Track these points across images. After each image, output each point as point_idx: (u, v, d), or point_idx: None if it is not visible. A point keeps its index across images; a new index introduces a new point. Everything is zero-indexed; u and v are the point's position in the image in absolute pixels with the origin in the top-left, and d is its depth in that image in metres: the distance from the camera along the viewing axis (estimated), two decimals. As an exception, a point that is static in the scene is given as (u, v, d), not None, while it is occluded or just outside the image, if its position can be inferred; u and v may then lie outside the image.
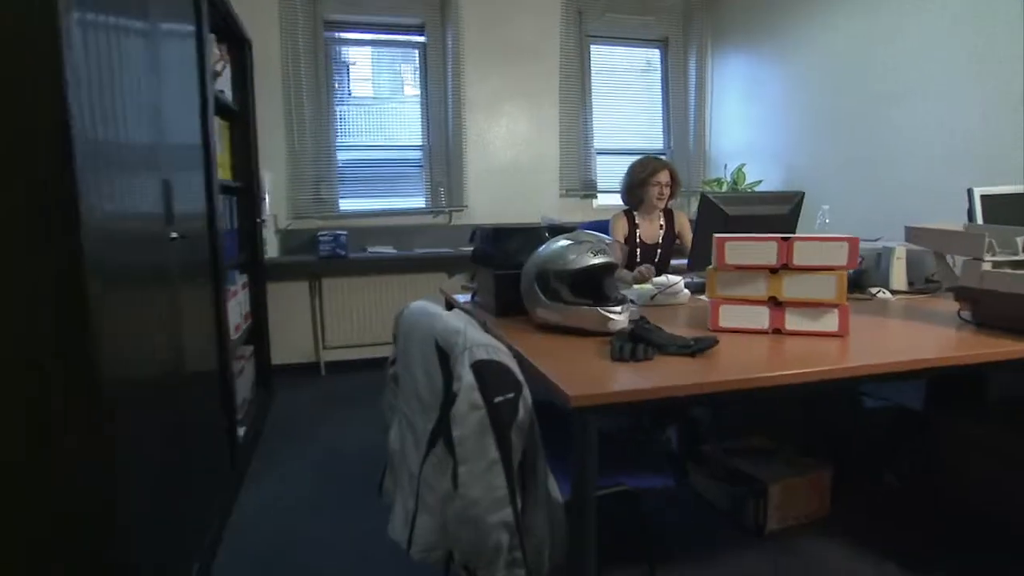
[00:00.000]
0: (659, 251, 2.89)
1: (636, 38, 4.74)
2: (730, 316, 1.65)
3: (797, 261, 1.57)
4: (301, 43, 3.94)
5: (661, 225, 2.90)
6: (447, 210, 4.34)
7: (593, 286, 1.71)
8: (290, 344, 4.08)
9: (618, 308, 1.61)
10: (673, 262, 3.00)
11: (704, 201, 2.16)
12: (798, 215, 2.29)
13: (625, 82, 4.81)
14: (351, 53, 4.32)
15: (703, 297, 2.19)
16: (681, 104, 4.78)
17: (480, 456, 1.18)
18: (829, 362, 1.35)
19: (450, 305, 2.44)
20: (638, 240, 2.86)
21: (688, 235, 2.93)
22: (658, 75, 4.86)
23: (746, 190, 3.98)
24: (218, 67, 2.69)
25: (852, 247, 1.53)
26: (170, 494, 1.63)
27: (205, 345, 2.13)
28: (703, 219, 2.20)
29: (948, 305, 2.02)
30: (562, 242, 1.69)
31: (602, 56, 4.70)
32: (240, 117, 3.28)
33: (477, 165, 4.38)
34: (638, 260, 2.86)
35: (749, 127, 4.38)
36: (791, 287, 1.59)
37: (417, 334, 1.35)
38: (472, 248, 2.19)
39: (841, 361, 1.36)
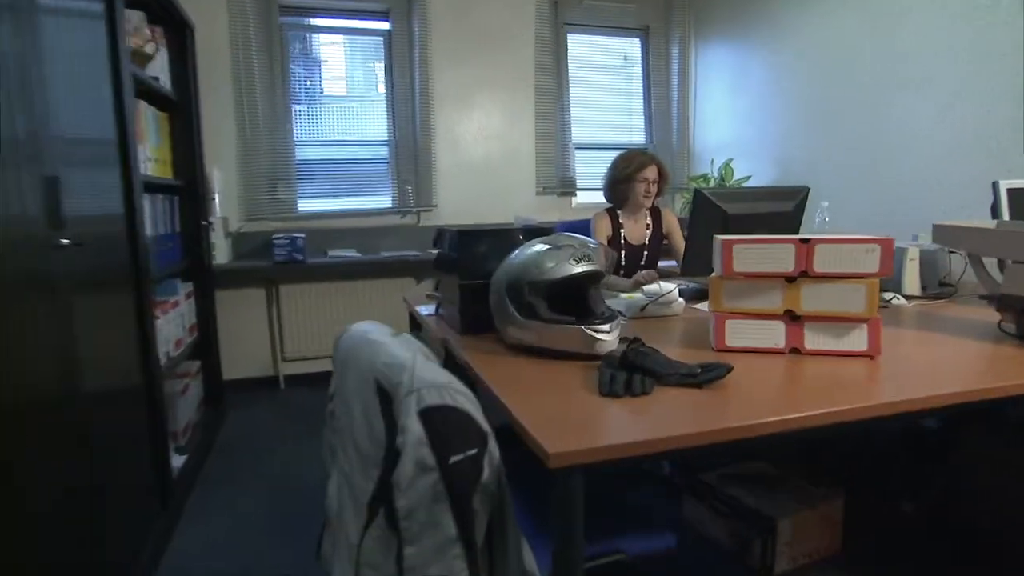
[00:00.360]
0: (646, 253, 2.63)
1: (615, 27, 4.49)
2: (738, 333, 1.39)
3: (819, 268, 1.31)
4: (253, 28, 3.61)
5: (647, 224, 2.64)
6: (415, 210, 4.04)
7: (576, 299, 1.44)
8: (245, 357, 3.75)
9: (606, 326, 1.34)
10: (660, 264, 2.75)
11: (699, 198, 1.90)
12: (803, 212, 2.04)
13: (604, 73, 4.56)
14: (310, 40, 4.00)
15: (699, 307, 1.94)
16: (663, 96, 4.54)
17: (432, 533, 0.90)
18: (868, 394, 1.09)
19: (415, 319, 2.16)
20: (623, 241, 2.60)
21: (677, 235, 2.68)
22: (639, 66, 4.61)
23: (735, 186, 3.75)
24: (147, 49, 2.37)
25: (885, 251, 1.28)
26: (69, 545, 1.32)
27: (122, 365, 1.82)
28: (698, 218, 1.94)
29: (974, 312, 1.79)
30: (538, 247, 1.42)
31: (580, 45, 4.44)
32: (181, 108, 2.95)
33: (447, 162, 4.09)
34: (623, 263, 2.60)
35: (736, 120, 4.15)
36: (811, 298, 1.33)
37: (354, 368, 1.06)
38: (436, 253, 1.90)
39: (882, 393, 1.10)
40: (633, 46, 4.60)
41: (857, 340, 1.33)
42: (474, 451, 0.91)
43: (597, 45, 4.51)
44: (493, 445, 0.94)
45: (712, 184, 3.89)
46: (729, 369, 1.15)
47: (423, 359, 0.98)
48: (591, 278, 1.41)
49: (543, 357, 1.38)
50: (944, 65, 2.82)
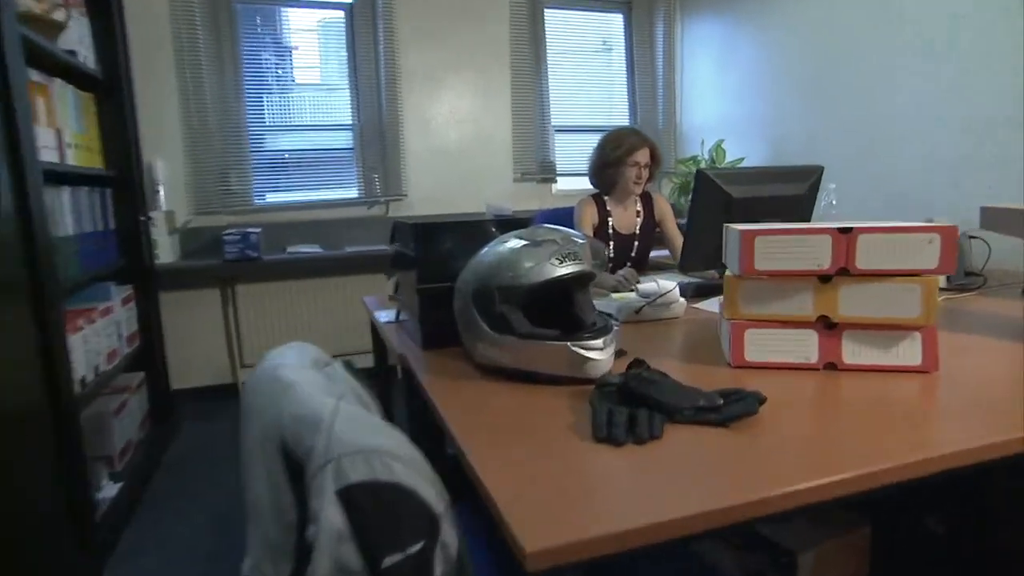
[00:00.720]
0: (636, 243, 2.37)
1: (595, 1, 4.19)
2: (760, 345, 1.12)
3: (862, 263, 1.05)
4: (197, 2, 3.25)
5: (638, 212, 2.37)
6: (383, 200, 3.73)
7: (560, 308, 1.16)
8: (199, 364, 3.43)
9: (599, 341, 1.06)
10: (653, 254, 2.49)
11: (701, 179, 1.63)
12: (816, 195, 1.79)
13: (585, 50, 4.26)
14: (280, 25, 3.65)
15: (702, 306, 1.67)
16: (648, 74, 4.25)
17: (359, 669, 0.62)
18: (940, 434, 0.83)
19: (376, 329, 1.87)
20: (611, 231, 2.33)
21: (671, 223, 2.41)
22: (621, 42, 4.32)
23: (732, 167, 3.49)
24: (56, 16, 2.03)
25: (947, 241, 1.02)
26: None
27: (17, 389, 1.51)
28: (699, 203, 1.67)
29: (1014, 308, 1.54)
30: (512, 243, 1.14)
31: (558, 21, 4.14)
32: (110, 89, 2.61)
33: (417, 147, 3.78)
34: (611, 255, 2.33)
35: (726, 99, 3.89)
36: (852, 302, 1.07)
37: (257, 421, 0.78)
38: (393, 249, 1.62)
39: (958, 431, 0.85)
40: (615, 21, 4.30)
41: (909, 352, 1.07)
42: (419, 545, 0.63)
43: (577, 20, 4.21)
44: (448, 531, 0.66)
45: (702, 167, 3.62)
46: (761, 401, 0.89)
47: (351, 408, 0.70)
48: (578, 281, 1.14)
49: (520, 381, 1.10)
50: (952, 31, 2.57)
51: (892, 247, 1.04)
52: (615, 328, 1.12)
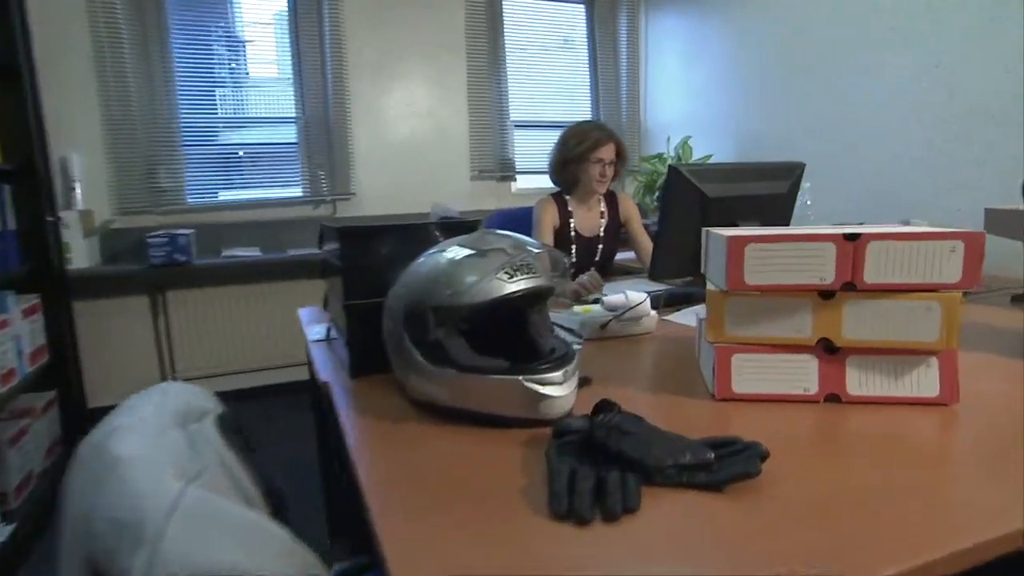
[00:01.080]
0: (600, 246, 2.18)
1: (556, -9, 4.01)
2: (750, 374, 0.94)
3: (871, 277, 0.88)
4: (117, -21, 2.95)
5: (602, 212, 2.19)
6: (329, 199, 3.47)
7: (510, 332, 0.96)
8: (125, 378, 3.11)
9: (558, 374, 0.86)
10: (618, 256, 2.30)
11: (674, 177, 1.44)
12: (796, 194, 1.63)
13: (545, 42, 4.07)
14: (232, 19, 3.34)
15: (676, 319, 1.49)
16: (611, 69, 4.09)
17: None
18: (994, 499, 0.66)
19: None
20: (573, 233, 2.14)
21: (637, 224, 2.23)
22: (583, 35, 4.14)
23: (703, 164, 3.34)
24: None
25: (972, 251, 0.85)
26: None
27: None
28: (671, 203, 1.49)
29: (1009, 318, 1.40)
30: (452, 253, 0.93)
31: (517, 11, 3.93)
32: (8, 74, 2.30)
33: (367, 143, 3.53)
34: (574, 259, 2.15)
35: (693, 94, 3.75)
36: (858, 321, 0.90)
37: (69, 520, 0.55)
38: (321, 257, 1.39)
39: (1002, 502, 0.67)
40: (577, 12, 4.13)
41: (924, 381, 0.90)
42: None
43: (537, 11, 4.01)
44: None
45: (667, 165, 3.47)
46: (763, 456, 0.70)
47: (202, 498, 0.49)
48: (533, 298, 0.94)
49: (462, 422, 0.89)
50: (933, 21, 2.46)
51: (907, 257, 0.87)
52: (578, 354, 0.92)
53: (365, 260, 1.14)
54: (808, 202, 2.24)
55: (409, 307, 0.92)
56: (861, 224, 2.36)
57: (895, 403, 0.91)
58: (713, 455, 0.70)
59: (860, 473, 0.73)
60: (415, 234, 1.18)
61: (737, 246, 0.89)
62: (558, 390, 0.86)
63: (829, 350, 0.92)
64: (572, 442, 0.76)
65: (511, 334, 0.96)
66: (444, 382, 0.89)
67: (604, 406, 0.79)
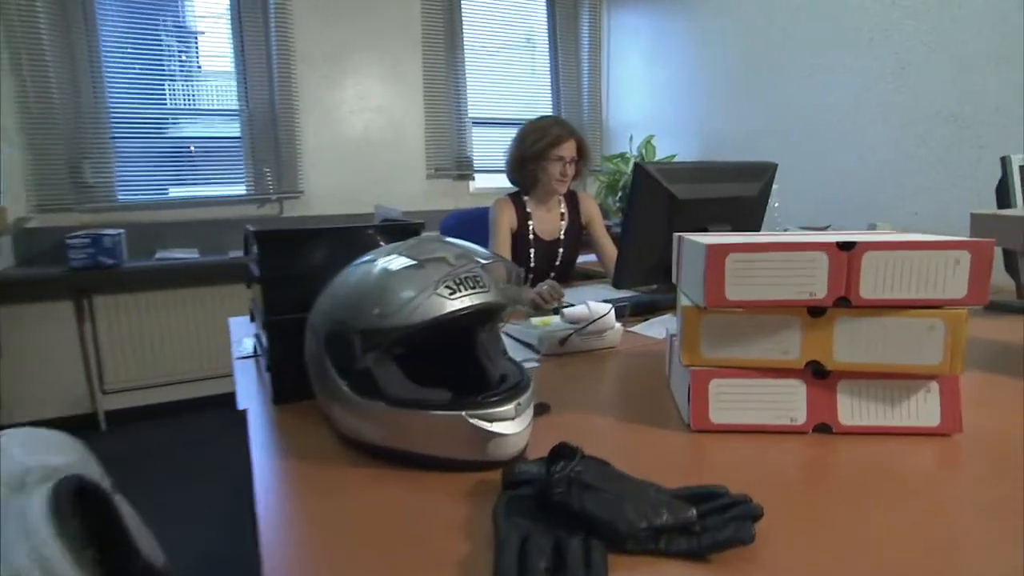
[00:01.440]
0: (561, 251, 2.06)
1: (516, -15, 3.88)
2: (730, 402, 0.82)
3: (867, 291, 0.77)
4: (35, -44, 2.70)
5: (562, 214, 2.07)
6: (276, 197, 3.27)
7: (454, 357, 0.82)
8: (47, 391, 2.86)
9: (509, 407, 0.73)
10: (580, 259, 2.18)
11: (640, 176, 1.32)
12: (768, 197, 1.53)
13: (505, 37, 3.94)
14: (182, 10, 3.10)
15: (642, 330, 1.38)
16: (572, 66, 3.99)
17: None
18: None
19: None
20: (531, 236, 2.01)
21: (599, 226, 2.12)
22: (544, 30, 4.03)
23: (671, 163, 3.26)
24: None
25: (979, 261, 0.75)
26: None
27: None
28: (637, 205, 1.37)
29: (988, 328, 1.33)
30: (385, 263, 0.79)
31: (476, 4, 3.79)
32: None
33: (316, 138, 3.34)
34: (532, 264, 2.02)
35: (656, 92, 3.67)
36: (852, 342, 0.79)
37: None
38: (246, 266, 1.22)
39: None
40: (538, 6, 4.01)
41: (924, 409, 0.80)
42: None
43: (496, 4, 3.88)
44: None
45: (631, 166, 3.37)
46: (756, 517, 0.58)
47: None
48: (481, 318, 0.80)
49: (396, 464, 0.75)
50: (900, 21, 2.42)
51: (907, 269, 0.76)
52: (533, 382, 0.79)
53: (290, 269, 0.99)
54: (776, 204, 2.17)
55: (332, 329, 0.77)
56: (827, 228, 2.30)
57: (891, 433, 0.80)
58: (695, 513, 0.58)
59: (862, 525, 0.61)
60: (350, 239, 1.03)
61: (717, 256, 0.77)
62: (509, 427, 0.72)
63: (818, 374, 0.81)
64: (525, 497, 0.63)
65: (455, 359, 0.82)
66: (374, 417, 0.75)
67: (563, 450, 0.65)
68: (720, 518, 0.58)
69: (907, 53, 2.38)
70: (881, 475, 0.71)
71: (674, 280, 0.97)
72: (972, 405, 0.87)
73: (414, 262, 0.77)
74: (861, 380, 0.80)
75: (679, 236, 0.94)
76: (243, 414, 1.01)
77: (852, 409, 0.81)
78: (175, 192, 3.16)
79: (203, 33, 3.30)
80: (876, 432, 0.81)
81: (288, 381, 0.98)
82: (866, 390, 0.80)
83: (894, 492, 0.67)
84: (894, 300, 0.77)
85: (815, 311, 0.79)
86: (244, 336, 1.47)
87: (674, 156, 3.35)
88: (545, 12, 4.00)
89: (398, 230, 1.07)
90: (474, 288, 0.75)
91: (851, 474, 0.72)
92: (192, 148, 3.20)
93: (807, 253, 0.77)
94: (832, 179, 2.69)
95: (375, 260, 0.80)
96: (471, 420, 0.71)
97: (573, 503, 0.58)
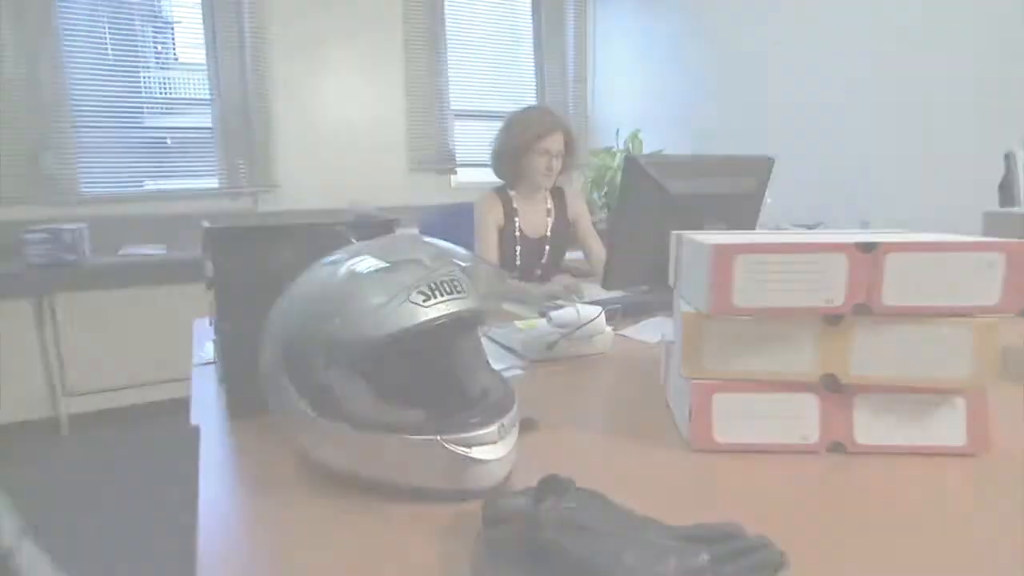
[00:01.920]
0: (547, 248, 1.97)
1: (500, -26, 3.78)
2: (735, 418, 0.74)
3: (891, 298, 0.69)
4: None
5: (548, 209, 1.98)
6: (250, 191, 3.14)
7: (430, 371, 0.73)
8: (6, 395, 2.72)
9: (491, 429, 0.64)
10: (568, 255, 2.10)
11: (631, 170, 1.24)
12: (764, 193, 1.46)
13: (488, 27, 3.84)
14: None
15: (633, 333, 1.30)
16: (557, 58, 3.90)
17: None
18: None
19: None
20: (518, 233, 1.92)
21: (586, 222, 2.04)
22: (529, 20, 3.93)
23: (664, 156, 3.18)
24: None
25: (1016, 264, 0.67)
26: None
27: None
28: (628, 200, 1.29)
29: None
30: (352, 265, 0.69)
31: (458, -5, 3.68)
32: None
33: (292, 129, 3.22)
34: (518, 262, 1.93)
35: (643, 86, 3.59)
36: (872, 353, 0.71)
37: None
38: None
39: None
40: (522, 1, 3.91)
41: (948, 427, 0.73)
42: None
43: (479, -3, 3.77)
44: None
45: (618, 160, 3.30)
46: (778, 566, 0.49)
47: None
48: (460, 327, 0.71)
49: (364, 493, 0.66)
50: (890, 15, 2.36)
51: (934, 273, 0.68)
52: (517, 400, 0.70)
53: (247, 270, 0.89)
54: (768, 200, 2.10)
55: (289, 339, 0.68)
56: (817, 226, 2.24)
57: (911, 453, 0.73)
58: (708, 558, 0.50)
59: (886, 561, 0.53)
60: (315, 237, 0.93)
61: (724, 258, 0.69)
62: (491, 452, 0.64)
63: (832, 388, 0.73)
64: (509, 538, 0.54)
65: (430, 372, 0.73)
66: (336, 441, 0.66)
67: (552, 483, 0.57)
68: (735, 566, 0.50)
69: (896, 48, 2.33)
70: (905, 503, 0.64)
71: (671, 283, 0.89)
72: (1001, 422, 0.80)
73: (385, 264, 0.68)
74: (880, 394, 0.73)
75: (678, 235, 0.86)
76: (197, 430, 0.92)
77: (869, 426, 0.73)
78: (146, 185, 3.03)
79: (180, 22, 3.16)
80: (894, 452, 0.73)
81: (245, 393, 0.88)
82: (884, 405, 0.73)
83: (919, 522, 0.60)
84: (919, 307, 0.69)
85: (831, 318, 0.71)
86: (207, 339, 1.37)
87: (661, 151, 3.27)
88: (530, 2, 3.91)
89: (370, 226, 0.98)
90: (452, 294, 0.66)
91: (874, 505, 0.64)
92: (169, 141, 3.07)
93: (824, 254, 0.69)
94: (821, 176, 2.63)
95: (341, 261, 0.70)
96: (447, 445, 0.62)
97: (566, 546, 0.50)
